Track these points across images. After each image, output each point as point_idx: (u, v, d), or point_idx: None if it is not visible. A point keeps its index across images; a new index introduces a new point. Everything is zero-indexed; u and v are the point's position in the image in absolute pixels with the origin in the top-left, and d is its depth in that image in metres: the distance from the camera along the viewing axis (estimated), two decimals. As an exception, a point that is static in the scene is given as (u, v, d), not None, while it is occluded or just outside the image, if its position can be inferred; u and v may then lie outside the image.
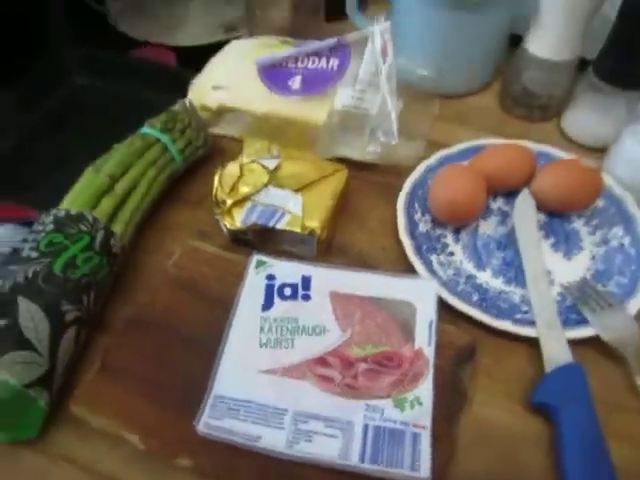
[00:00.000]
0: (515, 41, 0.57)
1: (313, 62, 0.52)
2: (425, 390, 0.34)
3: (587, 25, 0.50)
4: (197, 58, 0.63)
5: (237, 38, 0.63)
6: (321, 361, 0.36)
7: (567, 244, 0.46)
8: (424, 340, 0.37)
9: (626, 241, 0.45)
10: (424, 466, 0.31)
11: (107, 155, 0.44)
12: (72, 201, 0.40)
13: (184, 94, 0.57)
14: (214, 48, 0.63)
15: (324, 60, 0.51)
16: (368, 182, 0.52)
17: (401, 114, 0.56)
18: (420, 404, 0.34)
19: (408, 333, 0.37)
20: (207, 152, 0.53)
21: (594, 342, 0.39)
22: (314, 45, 0.51)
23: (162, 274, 0.43)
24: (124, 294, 0.43)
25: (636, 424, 0.37)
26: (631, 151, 0.47)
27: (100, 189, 0.41)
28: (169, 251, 0.45)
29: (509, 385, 0.39)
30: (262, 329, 0.38)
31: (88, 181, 0.41)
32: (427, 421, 0.33)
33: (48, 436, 0.36)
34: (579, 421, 0.35)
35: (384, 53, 0.48)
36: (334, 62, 0.51)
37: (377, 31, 0.48)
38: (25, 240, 0.37)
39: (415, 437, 0.32)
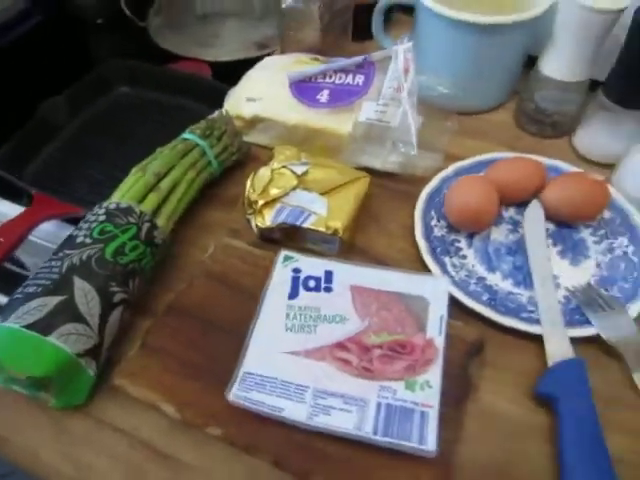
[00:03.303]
0: (530, 62, 0.61)
1: (340, 78, 0.56)
2: (434, 375, 0.38)
3: (597, 49, 0.54)
4: (231, 72, 0.68)
5: (269, 54, 0.68)
6: (340, 346, 0.40)
7: (574, 252, 0.49)
8: (435, 331, 0.40)
9: (630, 250, 0.48)
10: (431, 440, 0.35)
11: (152, 157, 0.49)
12: (121, 196, 0.44)
13: (217, 103, 0.62)
14: (246, 63, 0.68)
15: (351, 76, 0.56)
16: (389, 190, 0.56)
17: (422, 128, 0.60)
18: (430, 387, 0.37)
19: (421, 324, 0.40)
20: (240, 158, 0.57)
21: (595, 341, 0.42)
22: (342, 62, 0.56)
23: (198, 266, 0.48)
24: (164, 282, 0.48)
25: (631, 417, 0.39)
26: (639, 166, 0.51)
27: (147, 186, 0.45)
28: (204, 246, 0.49)
29: (514, 377, 0.42)
30: (288, 316, 0.41)
31: (136, 179, 0.46)
32: (435, 401, 0.36)
33: (94, 404, 0.40)
34: (578, 412, 0.37)
35: (406, 71, 0.52)
36: (360, 78, 0.55)
37: (400, 50, 0.52)
38: (79, 228, 0.42)
39: (423, 415, 0.36)
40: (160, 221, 0.45)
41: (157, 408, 0.39)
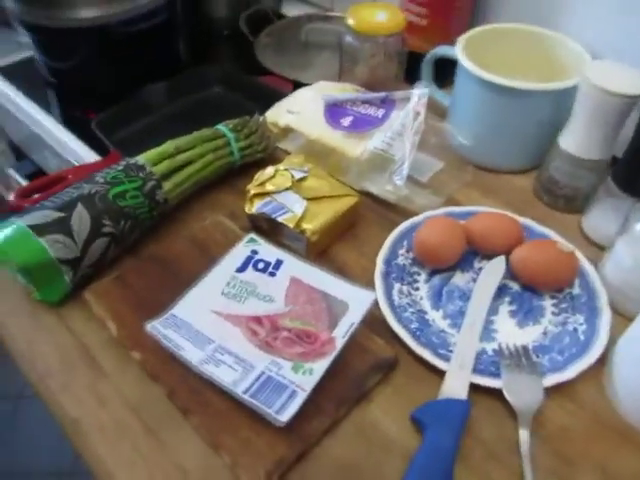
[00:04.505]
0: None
1: (365, 108, 0.62)
2: (321, 367, 0.41)
3: (613, 131, 0.54)
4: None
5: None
6: (257, 320, 0.45)
7: (526, 316, 0.50)
8: (341, 333, 0.44)
9: (582, 328, 0.47)
10: (287, 414, 0.38)
11: (187, 136, 0.59)
12: (143, 156, 0.54)
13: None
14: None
15: (374, 108, 0.62)
16: (380, 217, 0.60)
17: (439, 172, 0.64)
18: (311, 374, 0.41)
19: (333, 324, 0.45)
20: (266, 157, 0.65)
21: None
22: (368, 96, 0.62)
23: (188, 231, 0.56)
24: (157, 236, 0.57)
25: (496, 470, 0.40)
26: (621, 257, 0.50)
27: (165, 154, 0.55)
28: (204, 219, 0.58)
29: (408, 403, 0.43)
30: (228, 284, 0.48)
31: (162, 147, 0.56)
32: (308, 387, 0.40)
33: (64, 307, 0.50)
34: (438, 445, 0.39)
35: (417, 113, 0.57)
36: (381, 112, 0.61)
37: (416, 94, 0.57)
38: (102, 171, 0.53)
39: (293, 393, 0.40)
40: (167, 185, 0.55)
41: (104, 324, 0.48)
